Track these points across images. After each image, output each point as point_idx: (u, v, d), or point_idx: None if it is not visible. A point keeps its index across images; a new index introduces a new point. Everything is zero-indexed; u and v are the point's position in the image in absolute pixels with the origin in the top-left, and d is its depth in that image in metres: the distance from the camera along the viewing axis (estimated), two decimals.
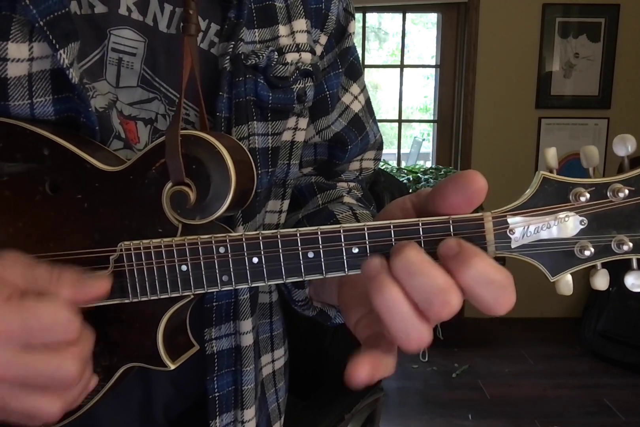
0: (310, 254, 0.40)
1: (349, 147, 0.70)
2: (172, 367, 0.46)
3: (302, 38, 0.60)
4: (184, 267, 0.42)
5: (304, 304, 0.60)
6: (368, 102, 0.76)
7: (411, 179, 2.99)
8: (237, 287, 0.42)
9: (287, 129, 0.61)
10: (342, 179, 0.75)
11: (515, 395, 2.53)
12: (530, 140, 3.31)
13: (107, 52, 0.50)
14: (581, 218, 0.37)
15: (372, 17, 4.46)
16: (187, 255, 0.42)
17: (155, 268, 0.42)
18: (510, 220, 0.38)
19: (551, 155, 0.38)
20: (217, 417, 0.58)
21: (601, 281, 0.39)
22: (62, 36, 0.44)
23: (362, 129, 0.72)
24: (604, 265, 0.39)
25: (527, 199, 0.38)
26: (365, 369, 0.38)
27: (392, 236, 0.38)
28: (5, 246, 0.45)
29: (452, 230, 0.38)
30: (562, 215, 0.37)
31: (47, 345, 0.37)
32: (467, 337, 3.08)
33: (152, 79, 0.53)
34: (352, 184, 0.75)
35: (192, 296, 0.44)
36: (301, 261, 0.40)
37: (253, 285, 0.41)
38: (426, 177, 2.99)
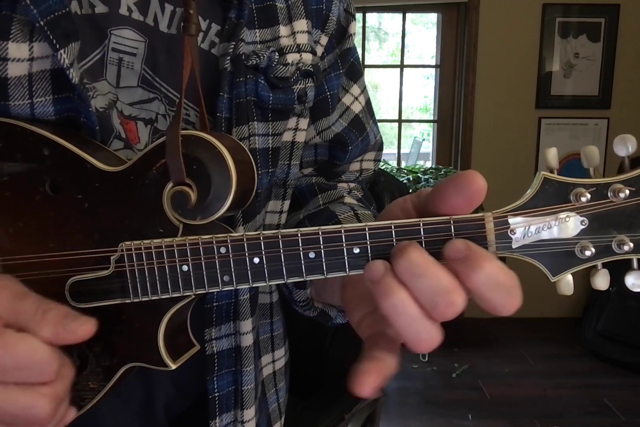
0: (312, 254, 0.40)
1: (350, 148, 0.70)
2: (173, 367, 0.46)
3: (302, 38, 0.60)
4: (185, 268, 0.42)
5: (305, 305, 0.60)
6: (368, 103, 0.76)
7: (411, 179, 2.99)
8: (238, 288, 0.42)
9: (287, 129, 0.61)
10: (343, 180, 0.75)
11: (515, 395, 2.53)
12: (530, 140, 3.31)
13: (108, 52, 0.50)
14: (582, 218, 0.37)
15: (372, 17, 4.46)
16: (188, 255, 0.42)
17: (156, 268, 0.42)
18: (511, 220, 0.38)
19: (552, 155, 0.38)
20: (217, 417, 0.58)
21: (602, 281, 0.39)
22: (63, 36, 0.44)
23: (362, 129, 0.72)
24: (604, 265, 0.39)
25: (528, 199, 0.38)
26: (372, 379, 0.37)
27: (393, 236, 0.38)
28: (5, 246, 0.45)
29: (453, 230, 0.38)
30: (563, 215, 0.37)
31: (21, 382, 0.36)
32: (467, 337, 3.08)
33: (153, 79, 0.53)
34: (352, 185, 0.75)
35: (193, 296, 0.44)
36: (302, 261, 0.40)
37: (254, 285, 0.41)
38: (426, 177, 2.99)
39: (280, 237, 0.40)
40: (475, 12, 3.19)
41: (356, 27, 0.70)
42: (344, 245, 0.39)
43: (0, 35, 0.43)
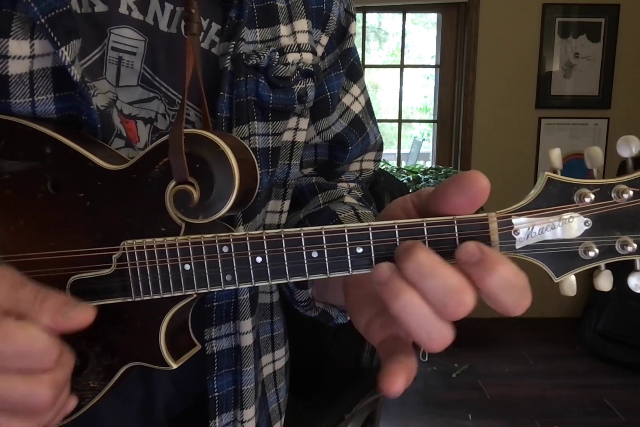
0: (314, 254, 0.40)
1: (350, 148, 0.70)
2: (175, 366, 0.46)
3: (303, 38, 0.60)
4: (187, 267, 0.42)
5: (306, 305, 0.60)
6: (368, 103, 0.76)
7: (411, 179, 2.99)
8: (240, 287, 0.42)
9: (287, 129, 0.61)
10: (343, 180, 0.75)
11: (515, 395, 2.53)
12: (530, 140, 3.30)
13: (107, 51, 0.50)
14: (585, 219, 0.37)
15: (372, 17, 4.46)
16: (190, 254, 0.41)
17: (158, 267, 0.42)
18: (514, 221, 0.38)
19: (555, 155, 0.38)
20: (217, 417, 0.58)
21: (605, 282, 0.39)
22: (64, 33, 0.44)
23: (362, 130, 0.72)
24: (607, 266, 0.39)
25: (531, 200, 0.38)
26: (402, 379, 0.37)
27: (397, 236, 0.38)
28: (6, 244, 0.45)
29: (456, 230, 0.38)
30: (566, 216, 0.37)
31: (21, 370, 0.36)
32: (467, 337, 3.07)
33: (152, 78, 0.53)
34: (352, 185, 0.75)
35: (194, 295, 0.44)
36: (305, 261, 0.40)
37: (257, 285, 0.41)
38: (426, 177, 2.99)
39: (283, 236, 0.40)
40: (475, 12, 3.19)
41: (356, 27, 0.70)
42: (347, 244, 0.39)
43: (0, 33, 0.43)
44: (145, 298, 0.43)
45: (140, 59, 0.52)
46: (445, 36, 3.40)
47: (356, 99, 0.73)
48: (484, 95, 3.27)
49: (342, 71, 0.68)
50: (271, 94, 0.56)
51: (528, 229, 0.37)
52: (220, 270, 0.41)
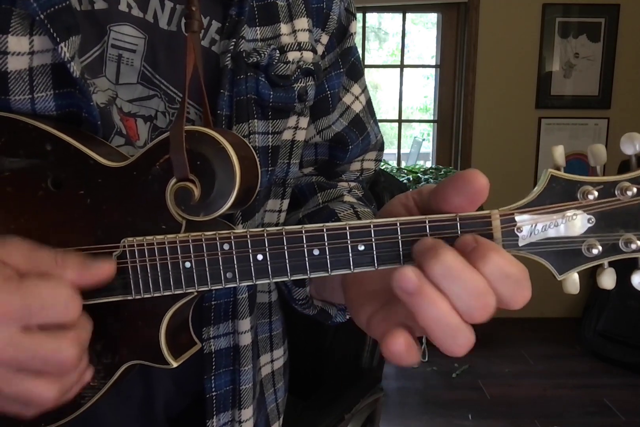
0: (316, 251, 0.39)
1: (350, 147, 0.70)
2: (175, 365, 0.45)
3: (303, 37, 0.60)
4: (187, 264, 0.41)
5: (304, 303, 0.59)
6: (369, 102, 0.76)
7: (411, 179, 2.99)
8: (241, 285, 0.41)
9: (287, 128, 0.61)
10: (343, 179, 0.75)
11: (515, 395, 2.53)
12: (530, 140, 3.30)
13: (107, 49, 0.50)
14: (589, 216, 0.37)
15: (372, 17, 4.46)
16: (191, 251, 0.41)
17: (158, 265, 0.42)
18: (517, 218, 0.37)
19: (559, 153, 0.38)
20: (215, 417, 0.57)
21: (608, 280, 0.39)
22: (63, 29, 0.43)
23: (363, 129, 0.72)
24: (610, 264, 0.39)
25: (534, 197, 0.38)
26: (403, 338, 0.36)
27: (399, 233, 0.38)
28: None
29: (459, 227, 0.38)
30: (569, 213, 0.37)
31: (46, 327, 0.37)
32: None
33: (152, 76, 0.53)
34: (352, 184, 0.75)
35: (195, 293, 0.44)
36: (306, 258, 0.40)
37: (257, 282, 0.41)
38: (426, 177, 2.99)
39: (284, 233, 0.40)
40: (475, 12, 3.19)
41: (356, 26, 0.70)
42: (349, 242, 0.39)
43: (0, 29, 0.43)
44: (145, 296, 0.43)
45: (140, 57, 0.52)
46: (445, 36, 3.39)
47: (357, 98, 0.72)
48: (484, 95, 3.27)
49: (342, 70, 0.68)
50: (271, 93, 0.56)
51: (531, 227, 0.37)
52: (221, 268, 0.41)
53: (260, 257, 0.40)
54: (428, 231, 0.38)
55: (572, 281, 0.38)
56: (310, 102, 0.62)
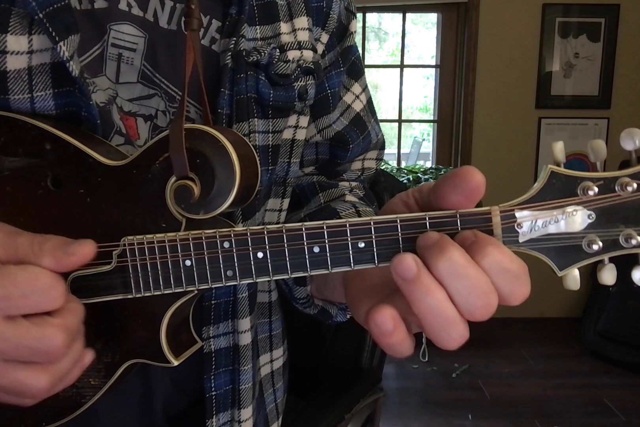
0: (316, 249, 0.39)
1: (351, 146, 0.70)
2: (176, 363, 0.45)
3: (303, 36, 0.60)
4: (187, 262, 0.41)
5: (305, 302, 0.59)
6: (370, 101, 0.76)
7: (411, 179, 2.99)
8: (241, 282, 0.41)
9: (287, 127, 0.61)
10: (344, 179, 0.75)
11: (515, 395, 2.52)
12: (530, 140, 3.30)
13: (107, 48, 0.50)
14: (589, 212, 0.37)
15: (372, 17, 4.46)
16: (191, 250, 0.41)
17: (158, 263, 0.42)
18: (518, 214, 0.37)
19: (559, 149, 0.38)
20: (214, 416, 0.57)
21: (608, 276, 0.38)
22: (62, 28, 0.43)
23: (363, 128, 0.72)
24: (611, 260, 0.38)
25: (535, 193, 0.37)
26: (388, 311, 0.36)
27: (399, 230, 0.38)
28: None
29: (459, 224, 0.38)
30: (570, 209, 0.37)
31: (29, 315, 0.36)
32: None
33: (153, 75, 0.53)
34: (353, 184, 0.75)
35: (195, 292, 0.44)
36: (306, 256, 0.40)
37: (258, 280, 0.41)
38: (426, 177, 2.99)
39: (284, 231, 0.40)
40: (475, 12, 3.19)
41: (357, 26, 0.70)
42: (349, 239, 0.39)
43: None
44: (145, 294, 0.43)
45: (140, 56, 0.52)
46: (445, 36, 3.39)
47: (357, 97, 0.72)
48: (484, 95, 3.27)
49: (342, 69, 0.68)
50: (271, 91, 0.56)
51: (531, 223, 0.37)
52: (222, 266, 0.41)
53: (260, 255, 0.40)
54: (428, 227, 0.38)
55: (573, 277, 0.38)
56: (310, 101, 0.62)
